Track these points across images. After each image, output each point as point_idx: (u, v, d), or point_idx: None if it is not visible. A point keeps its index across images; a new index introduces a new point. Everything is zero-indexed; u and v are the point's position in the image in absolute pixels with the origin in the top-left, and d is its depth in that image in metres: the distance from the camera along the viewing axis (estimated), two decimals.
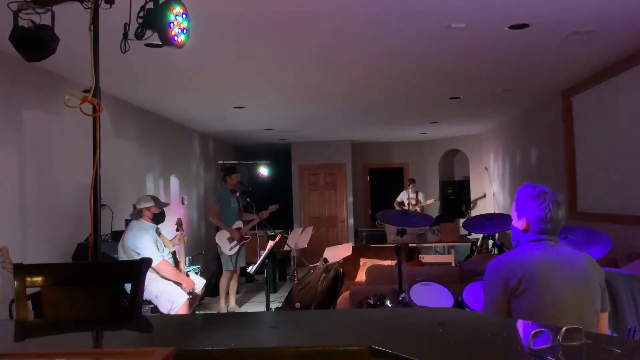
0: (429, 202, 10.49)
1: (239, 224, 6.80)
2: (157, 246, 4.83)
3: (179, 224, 5.52)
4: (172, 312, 4.59)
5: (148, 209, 4.92)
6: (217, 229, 6.89)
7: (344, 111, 7.74)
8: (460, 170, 12.25)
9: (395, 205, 10.44)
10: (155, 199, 5.01)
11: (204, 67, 4.99)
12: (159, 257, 4.74)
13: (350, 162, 11.62)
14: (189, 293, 4.86)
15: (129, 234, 4.80)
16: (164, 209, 5.11)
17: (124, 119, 6.36)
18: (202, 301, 6.36)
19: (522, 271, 2.15)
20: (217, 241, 6.78)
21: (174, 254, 5.06)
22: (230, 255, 6.69)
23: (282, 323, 1.81)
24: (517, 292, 2.15)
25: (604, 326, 2.24)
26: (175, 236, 5.39)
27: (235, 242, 6.69)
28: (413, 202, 10.29)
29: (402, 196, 10.52)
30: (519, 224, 2.29)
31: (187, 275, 5.08)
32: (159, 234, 5.00)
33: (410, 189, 10.43)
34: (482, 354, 1.33)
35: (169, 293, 4.70)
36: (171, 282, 4.81)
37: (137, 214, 4.92)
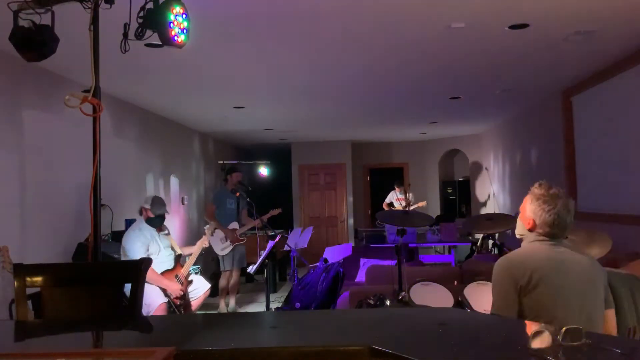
0: (420, 204, 10.10)
1: (234, 225, 6.77)
2: (148, 247, 4.78)
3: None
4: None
5: (146, 209, 4.94)
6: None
7: (344, 111, 7.74)
8: (460, 170, 12.25)
9: (384, 206, 10.31)
10: (153, 202, 4.94)
11: (204, 67, 4.99)
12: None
13: (350, 162, 11.61)
14: (179, 297, 4.80)
15: (125, 233, 4.83)
16: (165, 215, 5.07)
17: (124, 119, 6.36)
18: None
19: (530, 269, 2.17)
20: (210, 240, 6.76)
21: (178, 255, 5.05)
22: (224, 255, 6.66)
23: (282, 323, 1.81)
24: (527, 289, 2.16)
25: (611, 323, 2.26)
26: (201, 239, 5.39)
27: (228, 242, 6.65)
28: (402, 202, 10.08)
29: (391, 197, 10.43)
30: (525, 221, 2.30)
31: (188, 276, 5.07)
32: (167, 234, 4.99)
33: (398, 192, 10.28)
34: (482, 354, 1.33)
35: (144, 295, 4.59)
36: (151, 285, 4.68)
37: (138, 211, 4.98)
